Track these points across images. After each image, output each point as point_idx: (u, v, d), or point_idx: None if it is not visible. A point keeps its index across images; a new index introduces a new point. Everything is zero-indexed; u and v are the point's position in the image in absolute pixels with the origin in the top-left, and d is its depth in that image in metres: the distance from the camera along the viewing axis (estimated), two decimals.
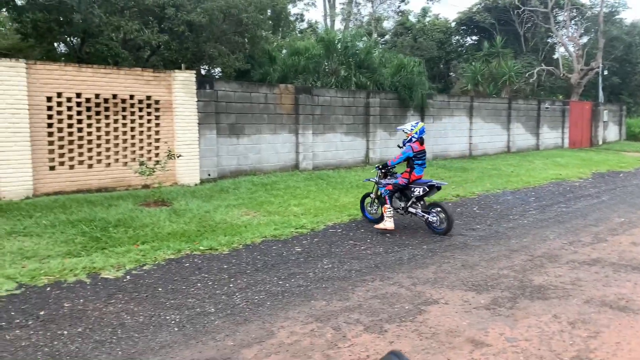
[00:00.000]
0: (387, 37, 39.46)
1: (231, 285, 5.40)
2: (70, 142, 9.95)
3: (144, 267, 5.95)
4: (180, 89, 11.31)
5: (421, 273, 5.91)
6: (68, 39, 15.32)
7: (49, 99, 9.61)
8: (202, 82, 12.14)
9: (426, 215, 7.87)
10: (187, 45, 14.74)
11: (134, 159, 10.69)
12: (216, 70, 21.07)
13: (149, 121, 11.01)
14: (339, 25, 36.79)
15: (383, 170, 8.30)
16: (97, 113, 10.27)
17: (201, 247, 6.80)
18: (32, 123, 9.32)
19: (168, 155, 9.87)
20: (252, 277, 5.66)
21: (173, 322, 4.40)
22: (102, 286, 5.30)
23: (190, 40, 14.78)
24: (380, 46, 22.51)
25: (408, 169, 7.96)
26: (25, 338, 4.03)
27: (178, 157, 10.23)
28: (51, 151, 9.71)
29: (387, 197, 7.93)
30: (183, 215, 8.40)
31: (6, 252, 6.21)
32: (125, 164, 10.63)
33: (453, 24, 37.02)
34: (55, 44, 17.30)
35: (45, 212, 8.14)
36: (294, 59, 17.07)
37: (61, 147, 9.84)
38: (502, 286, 5.48)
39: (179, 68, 12.54)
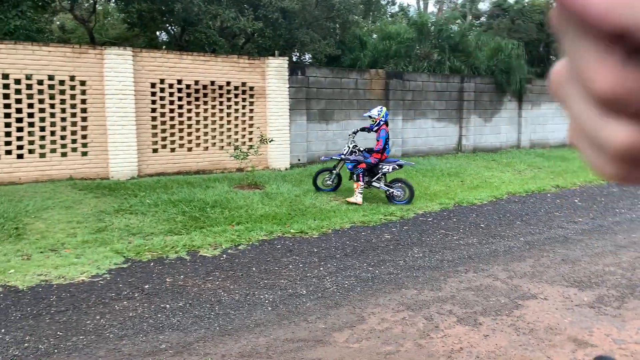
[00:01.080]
0: (482, 19, 37.84)
1: (321, 268, 5.47)
2: (172, 127, 10.51)
3: (239, 247, 6.17)
4: (273, 76, 11.54)
5: (518, 266, 5.65)
6: (169, 27, 16.11)
7: (153, 85, 10.18)
8: (294, 69, 12.31)
9: (391, 189, 8.81)
10: (281, 32, 14.98)
11: (229, 143, 11.09)
12: (306, 56, 21.28)
13: (243, 107, 11.36)
14: (432, 7, 35.78)
15: (354, 148, 9.02)
16: (196, 99, 10.74)
17: (292, 230, 6.94)
18: (137, 108, 9.93)
19: (261, 140, 10.15)
20: (342, 262, 5.70)
21: (267, 301, 4.53)
22: (200, 264, 5.56)
23: (284, 27, 15.01)
24: (475, 29, 21.59)
25: (379, 153, 8.82)
26: (132, 309, 4.32)
27: (270, 141, 10.49)
28: (154, 135, 10.31)
29: (361, 175, 8.68)
30: (274, 199, 8.61)
31: (114, 228, 6.69)
32: (222, 148, 11.06)
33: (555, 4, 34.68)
34: (157, 33, 18.28)
35: (148, 192, 8.68)
36: (385, 43, 16.82)
37: (163, 131, 10.41)
38: (607, 284, 5.11)
39: (272, 55, 12.80)
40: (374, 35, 19.83)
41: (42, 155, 9.16)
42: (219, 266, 5.49)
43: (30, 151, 9.07)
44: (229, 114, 11.18)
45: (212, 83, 10.89)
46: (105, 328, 3.94)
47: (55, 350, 3.57)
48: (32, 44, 9.06)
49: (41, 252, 5.73)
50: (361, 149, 9.10)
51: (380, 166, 8.82)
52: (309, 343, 3.76)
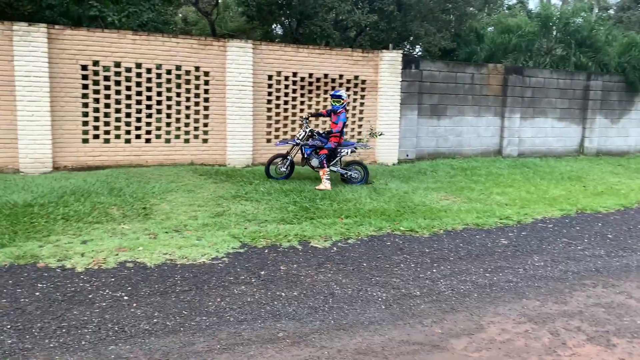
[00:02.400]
0: (610, 11, 34.79)
1: (434, 270, 5.30)
2: (285, 118, 10.76)
3: (349, 241, 6.16)
4: (386, 69, 11.41)
5: None
6: (285, 20, 16.49)
7: (269, 77, 10.47)
8: (408, 62, 12.08)
9: (349, 172, 9.12)
10: (395, 25, 14.76)
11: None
12: (416, 49, 20.83)
13: (354, 100, 11.36)
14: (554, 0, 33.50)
15: (310, 132, 8.96)
16: (310, 92, 10.90)
17: (401, 228, 6.81)
18: (254, 99, 10.27)
19: (370, 134, 10.09)
20: (456, 265, 5.49)
21: (380, 299, 4.47)
22: (312, 254, 5.63)
23: (398, 20, 14.77)
24: (605, 22, 19.87)
25: (338, 134, 8.85)
26: (250, 294, 4.46)
27: (380, 135, 10.39)
28: (269, 125, 10.63)
29: (324, 161, 8.71)
30: (383, 194, 8.52)
31: (231, 214, 6.97)
32: None
33: None
34: (273, 26, 18.80)
35: (262, 180, 8.96)
36: (504, 37, 15.99)
37: (277, 122, 10.70)
38: None
39: (385, 48, 12.66)
40: (490, 28, 18.95)
41: (167, 141, 9.79)
42: (330, 258, 5.52)
43: (157, 136, 9.73)
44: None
45: (325, 76, 10.98)
46: (226, 311, 4.09)
47: (181, 329, 3.77)
48: (162, 36, 9.67)
49: (166, 232, 6.10)
50: (318, 132, 9.15)
51: (339, 150, 9.01)
52: (425, 347, 3.65)
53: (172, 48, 9.59)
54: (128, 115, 9.47)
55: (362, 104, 11.45)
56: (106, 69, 9.26)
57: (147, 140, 9.64)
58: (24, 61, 8.44)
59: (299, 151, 9.14)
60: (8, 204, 6.66)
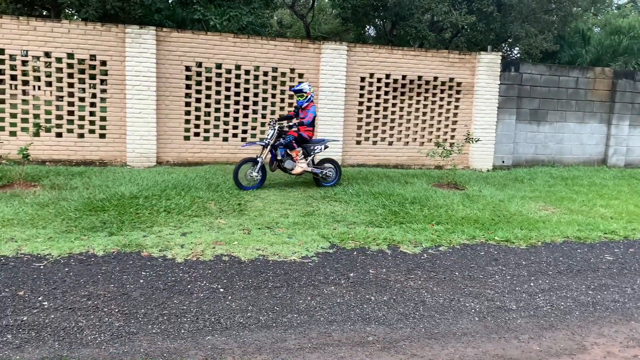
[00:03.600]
0: None
1: (531, 284, 5.04)
2: (376, 120, 10.73)
3: (440, 248, 6.01)
4: (483, 72, 11.03)
5: None
6: (379, 22, 16.46)
7: (362, 79, 10.48)
8: (507, 65, 11.60)
9: (324, 171, 8.37)
10: (494, 26, 14.25)
11: (430, 139, 10.95)
12: (514, 51, 19.96)
13: (448, 103, 11.10)
14: None
15: (280, 130, 8.11)
16: (402, 94, 10.79)
17: (496, 237, 6.55)
18: (346, 101, 10.33)
19: (466, 139, 9.79)
20: (555, 280, 5.18)
21: (473, 310, 4.32)
22: (401, 259, 5.55)
23: (497, 21, 14.24)
24: None
25: (311, 128, 8.26)
26: (340, 295, 4.47)
27: (476, 141, 10.05)
28: (359, 127, 10.64)
29: (293, 142, 8.03)
30: (476, 201, 8.24)
31: (321, 214, 7.04)
32: (422, 144, 10.97)
33: None
34: (366, 27, 18.82)
35: (350, 181, 8.99)
36: (613, 38, 14.96)
37: (367, 124, 10.69)
38: None
39: (483, 50, 12.25)
40: (597, 30, 17.76)
41: (261, 140, 10.08)
42: (420, 265, 5.41)
43: (252, 135, 10.06)
44: (432, 110, 11.02)
45: (419, 78, 10.82)
46: (316, 310, 4.14)
47: (273, 325, 3.85)
48: (261, 39, 9.99)
49: (259, 228, 6.28)
50: (289, 126, 8.27)
51: (311, 147, 8.35)
52: None
53: (270, 50, 9.87)
54: (226, 115, 9.87)
55: (456, 107, 11.16)
56: (208, 70, 9.71)
57: (243, 139, 9.99)
58: (134, 61, 9.06)
59: (269, 154, 8.18)
60: (116, 195, 7.17)
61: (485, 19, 14.33)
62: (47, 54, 8.84)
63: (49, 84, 8.92)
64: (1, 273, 4.53)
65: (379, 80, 10.60)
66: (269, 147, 8.01)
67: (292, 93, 10.07)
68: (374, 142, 10.77)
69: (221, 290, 4.44)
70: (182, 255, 5.23)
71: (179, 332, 3.66)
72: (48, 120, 9.00)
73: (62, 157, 9.01)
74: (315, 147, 8.33)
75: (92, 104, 9.20)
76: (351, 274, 5.00)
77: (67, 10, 15.39)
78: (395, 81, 10.69)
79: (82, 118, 9.16)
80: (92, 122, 9.21)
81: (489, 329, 3.98)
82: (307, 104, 8.23)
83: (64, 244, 5.31)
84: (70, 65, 8.99)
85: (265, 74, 9.94)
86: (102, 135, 9.26)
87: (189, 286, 4.48)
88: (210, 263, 5.07)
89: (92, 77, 9.12)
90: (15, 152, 7.42)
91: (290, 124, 8.18)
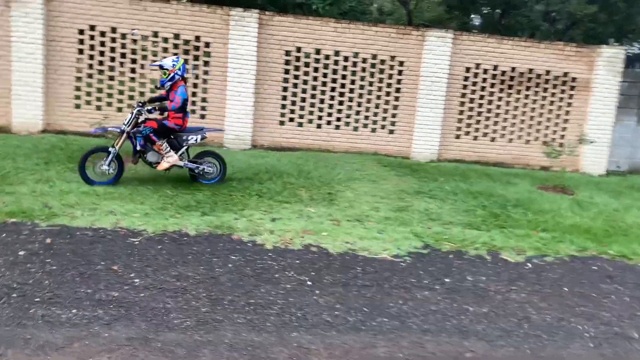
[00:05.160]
0: None
1: None
2: (479, 114, 10.11)
3: (545, 258, 5.47)
4: (603, 67, 10.03)
5: None
6: (487, 11, 15.56)
7: (467, 69, 9.89)
8: (631, 61, 10.47)
9: (200, 166, 6.85)
10: (616, 18, 12.95)
11: (537, 137, 10.17)
12: (635, 45, 18.14)
13: (560, 100, 10.22)
14: None
15: (143, 115, 6.50)
16: (510, 87, 10.07)
17: (610, 251, 5.86)
18: (447, 92, 9.80)
19: (579, 140, 8.94)
20: None
21: (586, 334, 3.83)
22: (502, 267, 5.10)
23: (622, 12, 12.92)
24: None
25: (180, 114, 6.61)
26: (434, 303, 4.14)
27: (591, 142, 9.16)
28: (459, 120, 10.08)
29: (152, 135, 6.42)
30: (587, 209, 7.48)
31: (414, 210, 6.69)
32: (527, 142, 10.22)
33: None
34: (471, 16, 17.91)
35: (447, 177, 8.52)
36: None
37: (469, 117, 10.10)
38: None
39: (602, 42, 11.14)
40: None
41: (355, 129, 9.85)
42: (523, 275, 4.94)
43: (346, 124, 9.84)
44: (542, 106, 10.20)
45: (530, 71, 10.03)
46: (408, 316, 3.85)
47: (362, 327, 3.62)
48: (363, 24, 9.70)
49: (348, 220, 6.06)
50: (152, 117, 6.62)
51: (184, 137, 6.75)
52: None
53: (371, 37, 9.56)
54: (322, 101, 9.72)
55: (569, 104, 10.25)
56: (306, 55, 9.59)
57: (337, 127, 9.81)
58: (237, 44, 9.12)
59: (127, 142, 6.60)
60: None
61: (607, 10, 13.04)
62: (155, 34, 9.12)
63: (154, 62, 9.21)
64: (99, 245, 4.65)
65: (485, 71, 9.96)
66: (124, 134, 6.42)
67: (390, 80, 9.72)
68: (475, 137, 10.17)
69: (309, 283, 4.27)
70: (271, 241, 5.13)
71: (265, 324, 3.52)
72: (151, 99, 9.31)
73: None
74: (189, 138, 6.77)
75: (195, 85, 9.39)
76: (447, 280, 4.64)
77: None
78: (503, 73, 9.99)
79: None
80: (193, 102, 9.42)
81: (605, 359, 3.49)
82: (170, 83, 6.53)
83: (159, 220, 5.39)
84: (175, 46, 9.22)
85: (364, 60, 9.66)
86: (202, 116, 9.44)
87: (276, 275, 4.36)
88: (298, 252, 4.92)
89: (196, 58, 9.30)
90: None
91: (149, 107, 6.51)
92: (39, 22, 8.57)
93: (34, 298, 3.54)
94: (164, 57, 7.50)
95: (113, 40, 9.03)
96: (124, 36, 9.05)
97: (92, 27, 8.91)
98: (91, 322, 3.32)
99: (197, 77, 9.38)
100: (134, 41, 9.11)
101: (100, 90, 9.15)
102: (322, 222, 5.88)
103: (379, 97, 9.80)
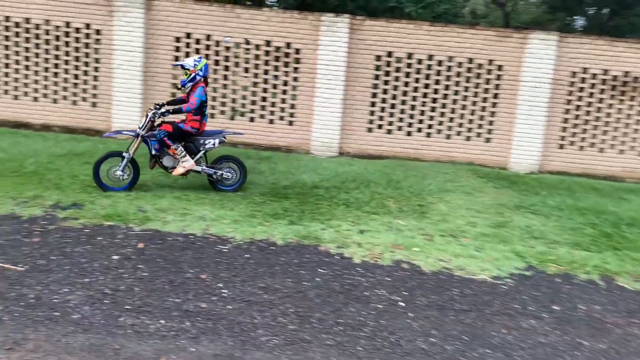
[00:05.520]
0: None
1: None
2: (585, 122, 9.30)
3: None
4: None
5: None
6: (591, 11, 14.44)
7: (573, 74, 9.13)
8: None
9: (218, 172, 6.49)
10: None
11: None
12: None
13: None
14: None
15: (158, 117, 6.24)
16: (622, 93, 9.17)
17: None
18: (551, 98, 9.09)
19: None
20: None
21: None
22: (619, 296, 4.52)
23: None
24: None
25: (198, 117, 6.32)
26: (542, 334, 3.71)
27: None
28: (563, 129, 9.33)
29: (166, 139, 6.16)
30: None
31: (514, 226, 6.18)
32: None
33: None
34: (574, 17, 16.72)
35: (550, 191, 7.86)
36: None
37: (574, 125, 9.32)
38: None
39: None
40: None
41: (447, 137, 9.39)
42: None
43: (438, 131, 9.41)
44: None
45: None
46: (513, 348, 3.45)
47: (461, 358, 3.27)
48: (458, 27, 9.25)
49: (442, 235, 5.69)
50: (168, 121, 6.36)
51: (201, 141, 6.41)
52: None
53: (467, 40, 9.08)
54: (412, 107, 9.36)
55: None
56: (398, 60, 9.29)
57: (428, 135, 9.41)
58: (327, 50, 9.00)
59: (143, 146, 6.42)
60: (299, 183, 7.14)
61: None
62: (247, 41, 9.22)
63: (245, 70, 9.31)
64: (189, 252, 4.64)
65: (593, 76, 9.13)
66: (139, 138, 6.21)
67: (487, 85, 9.18)
68: (581, 148, 9.35)
69: (401, 304, 3.98)
70: (359, 255, 4.90)
71: (355, 348, 3.28)
72: (243, 105, 9.41)
73: (253, 141, 9.37)
74: (207, 142, 6.46)
75: (283, 91, 9.39)
76: (555, 307, 4.17)
77: (267, 2, 16.26)
78: (615, 78, 9.11)
79: (273, 105, 9.41)
80: (282, 109, 9.42)
81: None
82: (191, 84, 6.29)
83: (248, 228, 5.33)
84: (266, 53, 9.26)
85: (460, 65, 9.18)
86: (290, 123, 9.41)
87: (366, 293, 4.11)
88: (388, 269, 4.65)
89: (286, 64, 9.29)
90: None
91: (163, 110, 6.23)
92: (139, 30, 8.93)
93: (124, 305, 3.53)
94: (189, 57, 6.86)
95: (207, 47, 9.23)
96: (217, 43, 9.22)
97: (188, 35, 9.15)
98: (178, 334, 3.24)
99: (285, 83, 9.36)
100: (227, 48, 9.25)
101: None
102: (413, 236, 5.56)
103: (474, 104, 9.28)
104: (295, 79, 9.32)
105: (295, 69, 9.31)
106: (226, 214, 5.71)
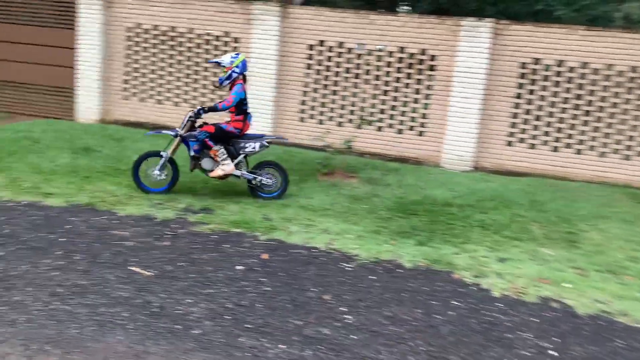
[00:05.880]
0: None
1: None
2: None
3: None
4: None
5: None
6: None
7: None
8: None
9: (258, 177, 6.09)
10: None
11: None
12: None
13: None
14: None
15: (195, 118, 5.92)
16: None
17: None
18: None
19: None
20: None
21: None
22: None
23: None
24: None
25: (241, 116, 5.95)
26: None
27: None
28: None
29: (208, 140, 5.85)
30: None
31: None
32: None
33: None
34: None
35: None
36: None
37: None
38: None
39: None
40: None
41: (602, 155, 8.29)
42: None
43: (591, 148, 8.34)
44: None
45: None
46: None
47: None
48: (620, 31, 8.14)
49: (597, 270, 4.89)
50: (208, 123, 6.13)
51: (242, 144, 6.11)
52: None
53: (631, 46, 7.95)
54: (561, 120, 8.40)
55: None
56: (546, 67, 8.40)
57: (578, 151, 8.38)
58: (465, 57, 8.40)
59: (182, 147, 6.15)
60: (428, 199, 6.66)
61: None
62: (381, 48, 8.91)
63: (376, 77, 9.00)
64: (312, 267, 4.42)
65: None
66: (178, 138, 6.01)
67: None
68: None
69: (552, 352, 3.39)
70: (499, 287, 4.33)
71: None
72: (371, 114, 9.12)
73: (380, 151, 9.04)
74: (247, 145, 6.09)
75: (414, 100, 8.94)
76: None
77: (399, 7, 15.92)
78: None
79: (402, 114, 9.00)
80: (412, 119, 8.97)
81: None
82: (229, 82, 5.97)
83: (373, 246, 5.01)
84: (399, 60, 8.88)
85: (620, 73, 8.06)
86: (420, 133, 8.94)
87: (508, 335, 3.56)
88: (534, 307, 4.04)
89: (419, 72, 8.83)
90: (339, 142, 7.66)
91: (199, 108, 5.93)
92: (275, 39, 9.03)
93: (244, 323, 3.36)
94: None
95: (339, 55, 9.08)
96: (349, 50, 9.04)
97: (321, 42, 9.08)
98: None
99: (417, 91, 8.90)
100: (358, 55, 9.03)
101: (323, 105, 9.28)
102: (563, 269, 4.84)
103: (637, 118, 8.08)
104: (428, 87, 8.83)
105: (429, 76, 8.81)
106: (350, 228, 5.44)
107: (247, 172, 6.16)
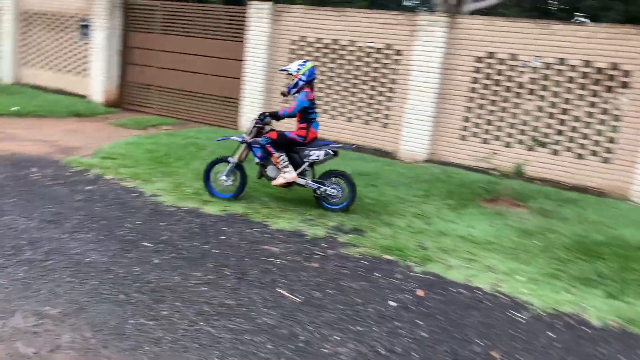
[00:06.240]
0: None
1: None
2: None
3: None
4: None
5: None
6: None
7: None
8: None
9: (323, 187, 5.73)
10: None
11: None
12: None
13: None
14: None
15: (261, 124, 5.81)
16: None
17: None
18: None
19: None
20: None
21: None
22: None
23: None
24: None
25: (304, 124, 5.68)
26: None
27: None
28: None
29: (269, 146, 5.64)
30: None
31: None
32: None
33: None
34: None
35: None
36: None
37: None
38: None
39: None
40: None
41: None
42: None
43: None
44: None
45: None
46: None
47: None
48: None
49: None
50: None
51: (306, 152, 5.68)
52: None
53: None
54: None
55: None
56: None
57: None
58: None
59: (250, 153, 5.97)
60: (617, 240, 5.59)
61: None
62: (561, 61, 7.88)
63: (554, 93, 7.97)
64: (475, 313, 3.80)
65: None
66: (244, 144, 5.87)
67: None
68: None
69: None
70: None
71: None
72: (545, 135, 8.09)
73: (553, 178, 7.96)
74: (312, 153, 5.71)
75: (601, 121, 7.72)
76: None
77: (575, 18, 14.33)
78: None
79: (584, 136, 7.84)
80: (596, 142, 7.77)
81: None
82: (295, 90, 5.71)
83: (549, 293, 4.23)
84: (583, 75, 7.75)
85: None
86: (605, 160, 7.70)
87: None
88: None
89: (609, 89, 7.62)
90: (505, 165, 6.84)
91: (262, 113, 5.85)
92: (439, 50, 8.47)
93: None
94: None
95: (511, 68, 8.22)
96: (523, 64, 8.13)
97: (491, 55, 8.31)
98: None
99: (604, 112, 7.69)
100: (534, 69, 8.08)
101: (489, 122, 8.46)
102: None
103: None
104: (617, 107, 7.58)
105: (620, 94, 7.56)
106: (520, 268, 4.70)
107: (312, 181, 5.86)
